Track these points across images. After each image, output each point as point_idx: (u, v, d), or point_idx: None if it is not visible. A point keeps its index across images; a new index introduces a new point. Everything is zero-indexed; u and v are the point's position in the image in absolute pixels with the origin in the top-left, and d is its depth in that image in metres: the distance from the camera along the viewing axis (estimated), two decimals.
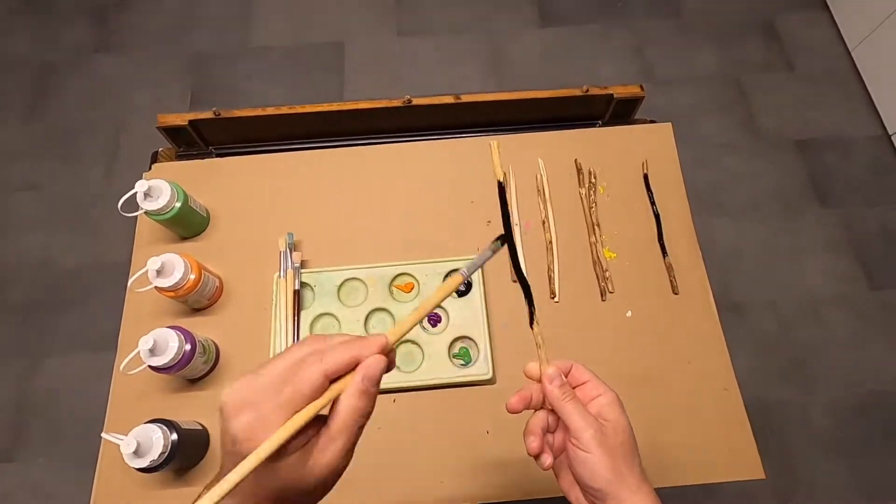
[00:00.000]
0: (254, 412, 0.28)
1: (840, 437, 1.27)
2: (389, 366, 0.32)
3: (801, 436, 1.27)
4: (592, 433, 0.37)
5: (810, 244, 1.46)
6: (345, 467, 0.31)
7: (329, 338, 0.32)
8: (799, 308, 1.39)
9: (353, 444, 0.31)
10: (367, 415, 0.31)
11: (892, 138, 1.54)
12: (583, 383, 0.41)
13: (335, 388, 0.30)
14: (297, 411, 0.29)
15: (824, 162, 1.55)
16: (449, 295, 0.35)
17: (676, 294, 0.71)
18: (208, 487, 0.30)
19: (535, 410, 0.41)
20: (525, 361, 0.42)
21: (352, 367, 0.31)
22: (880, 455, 1.26)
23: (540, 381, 0.41)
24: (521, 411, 0.41)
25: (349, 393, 0.30)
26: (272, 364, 0.30)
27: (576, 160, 0.78)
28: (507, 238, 0.38)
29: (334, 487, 0.32)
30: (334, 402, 0.30)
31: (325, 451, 0.30)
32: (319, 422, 0.30)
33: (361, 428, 0.31)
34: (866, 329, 1.37)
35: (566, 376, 0.41)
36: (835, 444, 1.27)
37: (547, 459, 0.40)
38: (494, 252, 0.37)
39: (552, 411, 0.41)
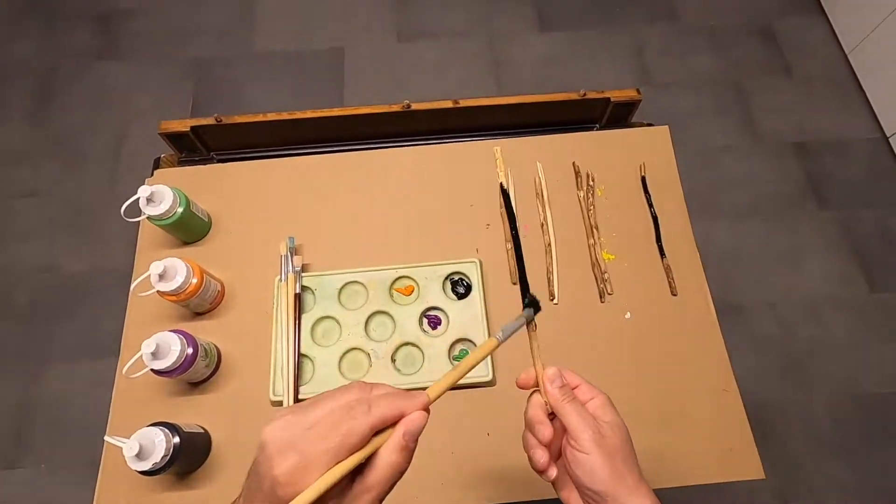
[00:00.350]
0: (299, 457, 0.28)
1: (841, 437, 1.27)
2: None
3: (802, 437, 1.27)
4: (591, 434, 0.37)
5: (809, 246, 1.46)
6: None
7: (374, 387, 0.32)
8: (798, 310, 1.39)
9: (386, 495, 0.31)
10: (403, 471, 0.31)
11: (890, 140, 1.55)
12: (574, 387, 0.41)
13: (376, 441, 0.31)
14: (340, 460, 0.29)
15: (822, 164, 1.55)
16: (485, 357, 0.38)
17: (675, 295, 0.72)
18: None
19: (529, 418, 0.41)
20: (526, 363, 0.43)
21: (395, 421, 0.31)
22: (881, 456, 1.26)
23: (534, 387, 0.42)
24: (529, 388, 0.42)
25: (390, 448, 0.30)
26: (318, 406, 0.30)
27: (574, 163, 0.79)
28: (534, 304, 0.42)
29: None
30: (375, 455, 0.31)
31: (359, 501, 0.30)
32: (354, 470, 0.31)
33: (395, 483, 0.31)
34: (866, 331, 1.37)
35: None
36: (836, 445, 1.27)
37: (553, 471, 0.40)
38: (529, 321, 0.41)
39: (552, 415, 0.41)
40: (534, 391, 0.42)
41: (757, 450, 0.63)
